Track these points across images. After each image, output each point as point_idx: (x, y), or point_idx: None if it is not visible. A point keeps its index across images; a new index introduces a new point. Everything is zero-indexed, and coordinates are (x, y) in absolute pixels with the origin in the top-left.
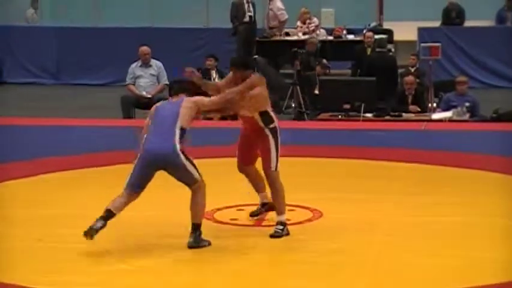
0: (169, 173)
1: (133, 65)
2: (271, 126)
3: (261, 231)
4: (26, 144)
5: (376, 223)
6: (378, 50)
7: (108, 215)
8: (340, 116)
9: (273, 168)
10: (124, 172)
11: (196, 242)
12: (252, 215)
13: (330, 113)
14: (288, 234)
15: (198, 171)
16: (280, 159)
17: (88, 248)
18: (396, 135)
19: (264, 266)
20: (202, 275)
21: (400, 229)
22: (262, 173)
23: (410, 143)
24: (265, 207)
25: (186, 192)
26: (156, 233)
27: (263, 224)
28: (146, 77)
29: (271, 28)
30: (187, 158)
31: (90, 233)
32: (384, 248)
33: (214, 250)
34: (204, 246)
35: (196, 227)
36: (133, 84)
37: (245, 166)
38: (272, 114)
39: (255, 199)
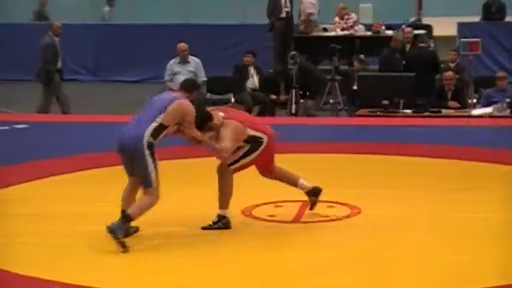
0: (132, 164)
1: (172, 62)
2: (258, 140)
3: (298, 228)
4: (66, 141)
5: (415, 220)
6: (420, 45)
7: (124, 215)
8: (378, 112)
9: (228, 163)
10: (161, 168)
11: (117, 228)
12: (311, 208)
13: (368, 109)
14: (224, 228)
15: (156, 178)
16: (317, 155)
17: (110, 245)
18: (435, 131)
19: (300, 263)
20: (237, 271)
21: (439, 226)
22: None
23: (449, 139)
24: (311, 193)
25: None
26: (186, 230)
27: (301, 220)
28: (184, 73)
29: (302, 22)
30: (153, 157)
31: (122, 247)
32: (423, 245)
33: (251, 246)
34: (119, 239)
35: (126, 217)
36: (171, 81)
37: (266, 175)
38: (257, 134)
39: (294, 195)
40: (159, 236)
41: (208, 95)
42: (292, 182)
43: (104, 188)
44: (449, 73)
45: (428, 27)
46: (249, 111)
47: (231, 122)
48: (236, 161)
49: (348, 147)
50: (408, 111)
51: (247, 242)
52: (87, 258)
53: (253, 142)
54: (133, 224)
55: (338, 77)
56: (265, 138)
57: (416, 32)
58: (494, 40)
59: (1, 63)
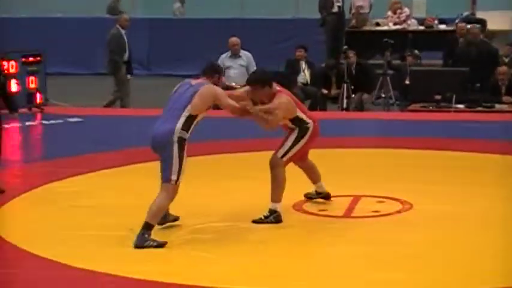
0: (160, 156)
1: (223, 56)
2: (304, 126)
3: (349, 223)
4: (117, 134)
5: (468, 216)
6: (484, 39)
7: (144, 224)
8: (430, 107)
9: (279, 155)
10: (212, 162)
11: (141, 241)
12: (307, 199)
13: (421, 104)
14: (275, 222)
15: (179, 174)
16: (371, 150)
17: (176, 237)
18: (489, 126)
19: (353, 258)
20: (287, 265)
21: (493, 222)
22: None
23: (503, 134)
24: (322, 195)
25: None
26: (235, 224)
27: (352, 215)
28: (235, 67)
29: (353, 15)
30: (181, 153)
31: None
32: (476, 241)
33: (302, 241)
34: (151, 246)
35: (147, 226)
36: (223, 75)
37: (298, 162)
38: (304, 117)
39: (344, 190)
40: (208, 229)
41: None
42: (315, 179)
43: (154, 182)
44: (503, 68)
45: (482, 22)
46: None
47: (284, 95)
48: (286, 152)
49: (400, 142)
50: (461, 106)
51: (298, 237)
52: (140, 250)
53: (301, 126)
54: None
55: (390, 72)
56: (311, 124)
57: (469, 26)
58: None
59: (57, 58)
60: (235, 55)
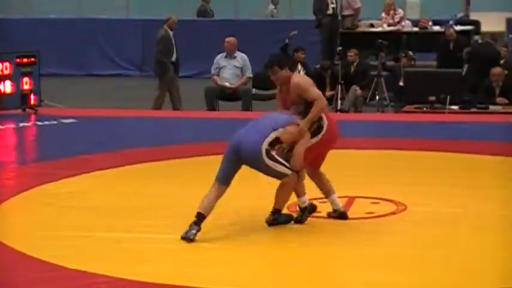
0: (254, 168)
1: (219, 56)
2: (318, 122)
3: (343, 224)
4: (112, 135)
5: (462, 217)
6: (489, 40)
7: (200, 218)
8: (425, 108)
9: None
10: (206, 164)
11: (273, 220)
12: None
13: (415, 105)
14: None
15: (286, 166)
16: (365, 151)
17: (174, 238)
18: (482, 127)
19: (348, 259)
20: (281, 266)
21: (487, 223)
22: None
23: (497, 136)
24: (336, 213)
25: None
26: (234, 222)
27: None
28: (230, 68)
29: (343, 17)
30: (270, 156)
31: (187, 240)
32: (470, 242)
33: (296, 242)
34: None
35: (275, 211)
36: (218, 75)
37: (311, 169)
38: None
39: (339, 191)
40: (205, 230)
41: (254, 91)
42: (326, 192)
43: (150, 183)
44: (498, 69)
45: (476, 23)
46: None
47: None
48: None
49: (394, 143)
50: (455, 107)
51: (293, 238)
52: (135, 251)
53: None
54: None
55: (384, 73)
56: (325, 122)
57: (459, 28)
58: None
59: (51, 59)
60: (230, 55)
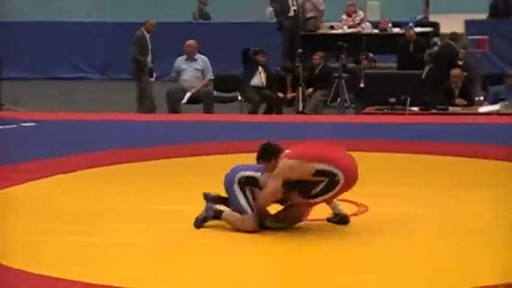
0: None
1: (179, 59)
2: (333, 178)
3: (304, 226)
4: (73, 139)
5: (423, 217)
6: (448, 41)
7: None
8: (385, 110)
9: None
10: (168, 166)
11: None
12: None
13: (376, 107)
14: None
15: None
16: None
17: (133, 243)
18: (442, 128)
19: (307, 262)
20: (246, 269)
21: (448, 223)
22: None
23: (456, 137)
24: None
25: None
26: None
27: (308, 218)
28: (191, 70)
29: (308, 19)
30: (241, 187)
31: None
32: (431, 242)
33: (261, 246)
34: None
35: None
36: (177, 78)
37: None
38: (329, 168)
39: None
40: (174, 233)
41: (215, 93)
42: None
43: (111, 186)
44: (457, 70)
45: (435, 25)
46: (256, 108)
47: (286, 160)
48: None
49: (355, 144)
50: (415, 108)
51: (256, 241)
52: (97, 255)
53: (330, 178)
54: None
55: (345, 75)
56: (340, 176)
57: (418, 29)
58: (502, 37)
59: (13, 62)
60: (191, 58)
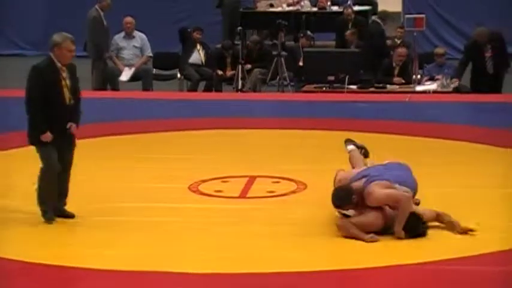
0: None
1: (117, 36)
2: None
3: (244, 203)
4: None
5: None
6: (375, 20)
7: None
8: (324, 88)
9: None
10: (103, 145)
11: None
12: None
13: (315, 85)
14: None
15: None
16: (266, 131)
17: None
18: (380, 106)
19: (245, 238)
20: (184, 247)
21: None
22: None
23: (393, 115)
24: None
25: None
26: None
27: (247, 196)
28: (129, 48)
29: None
30: None
31: None
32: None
33: (199, 222)
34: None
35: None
36: (117, 56)
37: None
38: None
39: (240, 171)
40: (108, 212)
41: (154, 71)
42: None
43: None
44: (403, 49)
45: (373, 3)
46: (195, 86)
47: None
48: None
49: (294, 122)
50: (353, 87)
51: (195, 218)
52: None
53: None
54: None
55: (284, 53)
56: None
57: (357, 8)
58: (439, 16)
59: None
60: (129, 35)
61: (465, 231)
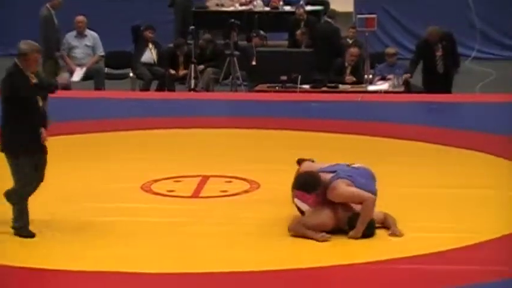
0: None
1: (68, 35)
2: None
3: (196, 203)
4: None
5: None
6: (326, 19)
7: None
8: (277, 88)
9: None
10: (58, 144)
11: None
12: None
13: (267, 85)
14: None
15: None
16: (219, 130)
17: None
18: (333, 106)
19: (197, 238)
20: (136, 248)
21: None
22: None
23: (346, 114)
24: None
25: None
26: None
27: (200, 195)
28: (81, 47)
29: None
30: None
31: None
32: None
33: (150, 222)
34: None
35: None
36: (68, 55)
37: None
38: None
39: (193, 170)
40: (60, 212)
41: (106, 70)
42: None
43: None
44: (355, 49)
45: (325, 3)
46: (147, 85)
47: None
48: None
49: (246, 122)
50: (306, 86)
51: (146, 218)
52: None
53: None
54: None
55: (237, 53)
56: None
57: (310, 8)
58: (390, 16)
59: None
60: (80, 34)
61: (397, 235)
